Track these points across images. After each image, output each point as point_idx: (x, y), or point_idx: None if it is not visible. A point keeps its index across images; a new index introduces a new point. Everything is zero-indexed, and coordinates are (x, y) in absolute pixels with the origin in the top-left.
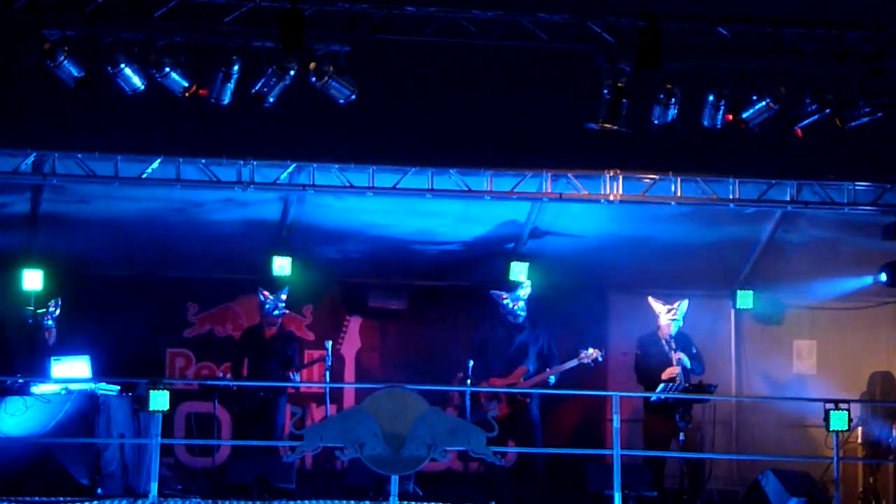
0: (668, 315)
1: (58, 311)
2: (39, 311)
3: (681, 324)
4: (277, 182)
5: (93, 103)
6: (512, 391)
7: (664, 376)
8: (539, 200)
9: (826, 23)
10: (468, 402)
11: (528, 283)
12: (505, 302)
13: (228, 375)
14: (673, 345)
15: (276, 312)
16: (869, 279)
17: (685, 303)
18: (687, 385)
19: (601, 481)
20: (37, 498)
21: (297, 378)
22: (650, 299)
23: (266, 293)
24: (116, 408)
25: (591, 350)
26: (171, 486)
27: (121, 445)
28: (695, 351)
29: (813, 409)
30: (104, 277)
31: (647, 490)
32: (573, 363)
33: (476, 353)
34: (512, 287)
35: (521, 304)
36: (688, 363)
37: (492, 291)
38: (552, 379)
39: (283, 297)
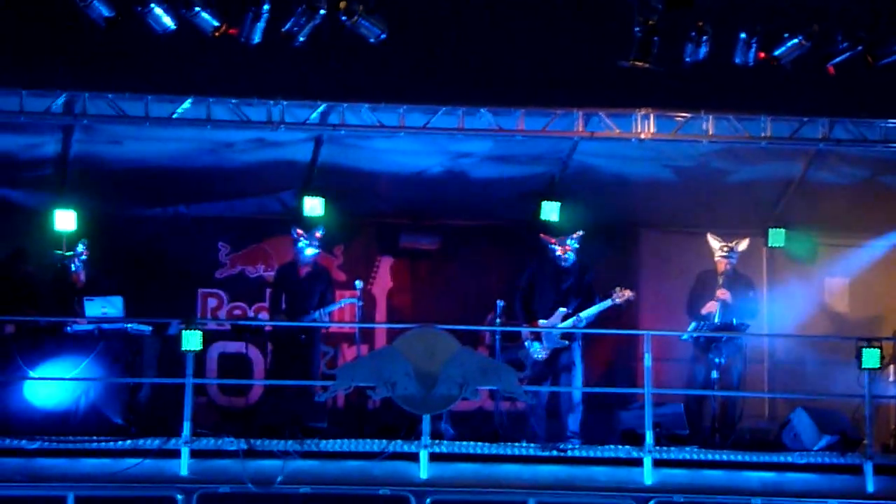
0: (720, 252)
1: (84, 254)
2: (68, 253)
3: (734, 261)
4: (308, 122)
5: (123, 43)
6: (545, 330)
7: (703, 310)
8: (570, 139)
9: None
10: (498, 342)
11: (581, 232)
12: (553, 247)
13: (261, 315)
14: (721, 281)
15: (308, 252)
16: None
17: (743, 242)
18: (718, 324)
19: (633, 420)
20: (70, 437)
21: (327, 316)
22: (708, 236)
23: (300, 231)
24: (149, 348)
25: (623, 290)
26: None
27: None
28: (751, 294)
29: (845, 347)
30: (135, 218)
31: (680, 428)
32: (606, 303)
33: (521, 292)
34: (560, 232)
35: (570, 251)
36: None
37: (540, 236)
38: (584, 320)
39: (318, 234)
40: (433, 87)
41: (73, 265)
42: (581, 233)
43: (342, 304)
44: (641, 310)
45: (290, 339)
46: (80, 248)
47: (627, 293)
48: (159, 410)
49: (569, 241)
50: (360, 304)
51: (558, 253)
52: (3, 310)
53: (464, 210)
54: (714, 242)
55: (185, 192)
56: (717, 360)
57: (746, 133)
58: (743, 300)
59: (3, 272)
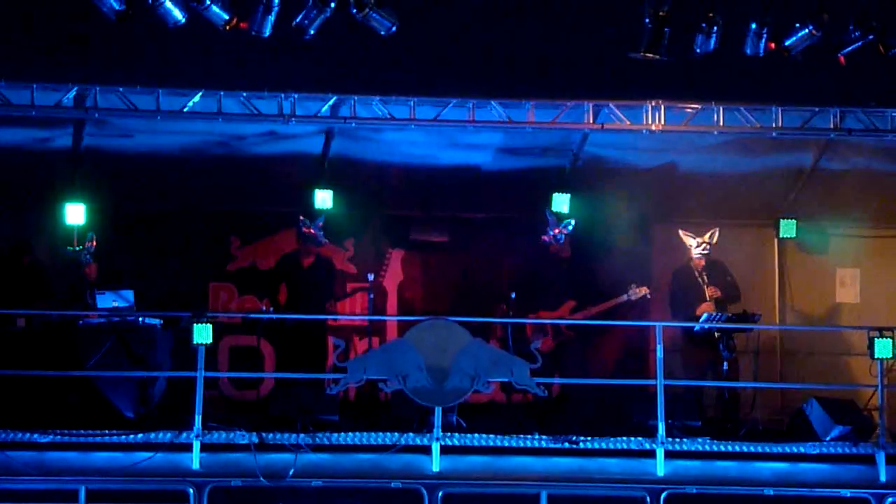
0: (698, 248)
1: (92, 245)
2: (78, 248)
3: (709, 254)
4: (319, 115)
5: (134, 37)
6: (554, 321)
7: (699, 313)
8: (581, 131)
9: None
10: (510, 334)
11: (572, 220)
12: (550, 231)
13: (272, 309)
14: (706, 277)
15: (319, 242)
16: None
17: (715, 232)
18: (730, 315)
19: (645, 411)
20: (82, 430)
21: (336, 309)
22: (680, 232)
23: (305, 220)
24: (160, 341)
25: (639, 287)
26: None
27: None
28: (729, 279)
29: (857, 337)
30: (147, 212)
31: (691, 420)
32: (622, 299)
33: (525, 285)
34: (557, 220)
35: (565, 237)
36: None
37: (540, 223)
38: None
39: (320, 224)
40: (443, 79)
41: (83, 258)
42: (572, 220)
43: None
44: (653, 301)
45: (298, 331)
46: (88, 242)
47: (643, 290)
48: (171, 404)
49: (564, 225)
50: (371, 296)
51: (556, 236)
52: (13, 302)
53: (474, 202)
54: (688, 239)
55: (196, 184)
56: (726, 352)
57: (757, 124)
58: (730, 289)
59: (7, 265)
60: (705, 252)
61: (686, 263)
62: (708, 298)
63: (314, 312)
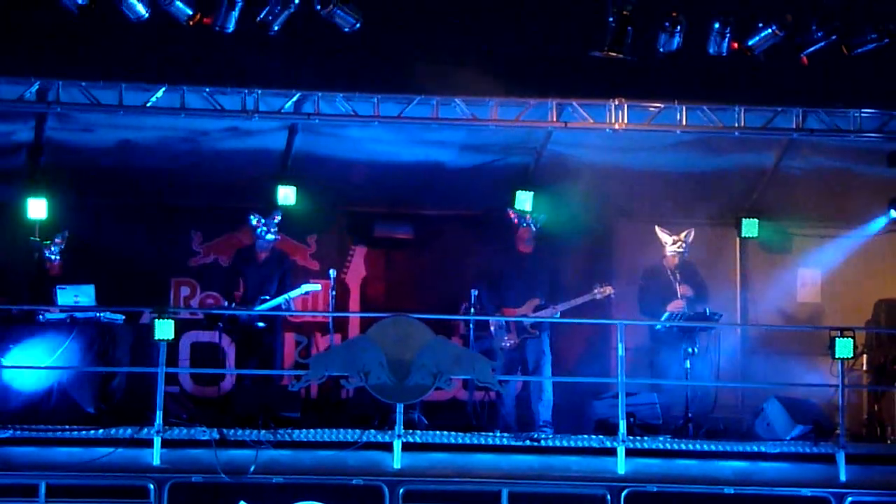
0: (673, 246)
1: (62, 244)
2: (45, 242)
3: (685, 254)
4: (282, 111)
5: (97, 31)
6: (517, 319)
7: (669, 309)
8: (544, 129)
9: None
10: (472, 332)
11: (540, 216)
12: (516, 223)
13: (234, 305)
14: (678, 276)
15: (268, 237)
16: (882, 220)
17: (691, 232)
18: (691, 314)
19: (606, 410)
20: (42, 426)
21: (292, 303)
22: (657, 229)
23: (258, 217)
24: (121, 337)
25: (604, 286)
26: (177, 416)
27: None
28: (699, 279)
29: (818, 337)
30: (109, 206)
31: (652, 419)
32: (585, 298)
33: (490, 282)
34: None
35: (531, 232)
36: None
37: (508, 210)
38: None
39: (276, 219)
40: (407, 76)
41: (49, 254)
42: (540, 216)
43: (306, 293)
44: (615, 299)
45: (250, 326)
46: (58, 239)
47: (608, 290)
48: (132, 399)
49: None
50: (333, 293)
51: (521, 231)
52: None
53: (438, 199)
54: (664, 236)
55: (159, 180)
56: (689, 349)
57: (720, 123)
58: (699, 289)
59: None
60: (679, 250)
61: (658, 261)
62: (679, 297)
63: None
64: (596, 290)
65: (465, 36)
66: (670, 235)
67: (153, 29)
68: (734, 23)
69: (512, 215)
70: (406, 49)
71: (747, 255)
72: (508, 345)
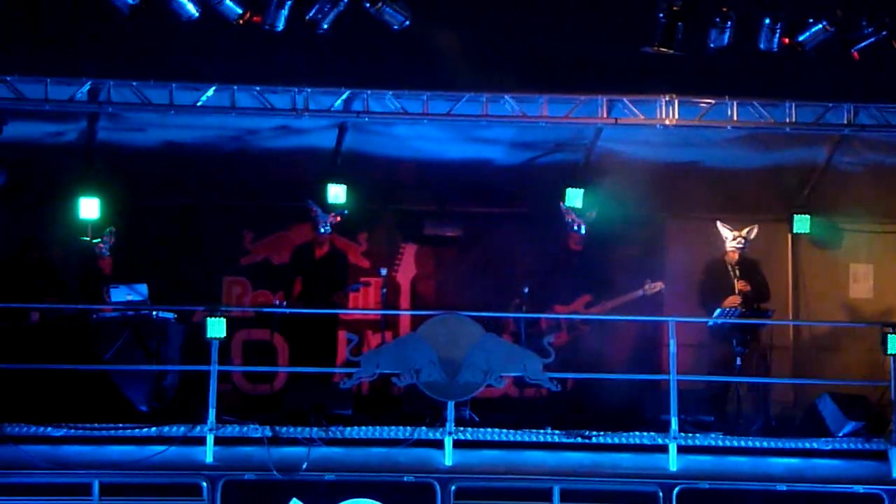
0: (733, 242)
1: (112, 240)
2: (95, 240)
3: (745, 250)
4: (332, 109)
5: (147, 31)
6: (568, 317)
7: (725, 304)
8: (594, 126)
9: None
10: (523, 329)
11: (591, 212)
12: (569, 220)
13: (285, 303)
14: (737, 272)
15: (322, 230)
16: None
17: (754, 229)
18: (743, 310)
19: (658, 407)
20: (95, 424)
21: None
22: (718, 224)
23: (316, 208)
24: (173, 335)
25: (654, 283)
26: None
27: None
28: (760, 278)
29: (870, 333)
30: (160, 206)
31: (704, 415)
32: (637, 294)
33: (538, 279)
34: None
35: (583, 228)
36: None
37: (554, 217)
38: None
39: (337, 218)
40: (457, 73)
41: (101, 252)
42: (594, 211)
43: (356, 288)
44: (666, 296)
45: (311, 324)
46: (107, 236)
47: (658, 286)
48: (184, 398)
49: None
50: (385, 290)
51: (575, 227)
52: (25, 298)
53: (488, 197)
54: (725, 231)
55: (210, 179)
56: (739, 347)
57: (771, 119)
58: (760, 287)
59: (17, 261)
60: (739, 246)
61: (719, 256)
62: (736, 292)
63: (327, 305)
64: (647, 287)
65: (514, 33)
66: (731, 231)
67: (203, 28)
68: (785, 18)
69: (564, 211)
70: (455, 46)
71: (799, 251)
72: (554, 341)
